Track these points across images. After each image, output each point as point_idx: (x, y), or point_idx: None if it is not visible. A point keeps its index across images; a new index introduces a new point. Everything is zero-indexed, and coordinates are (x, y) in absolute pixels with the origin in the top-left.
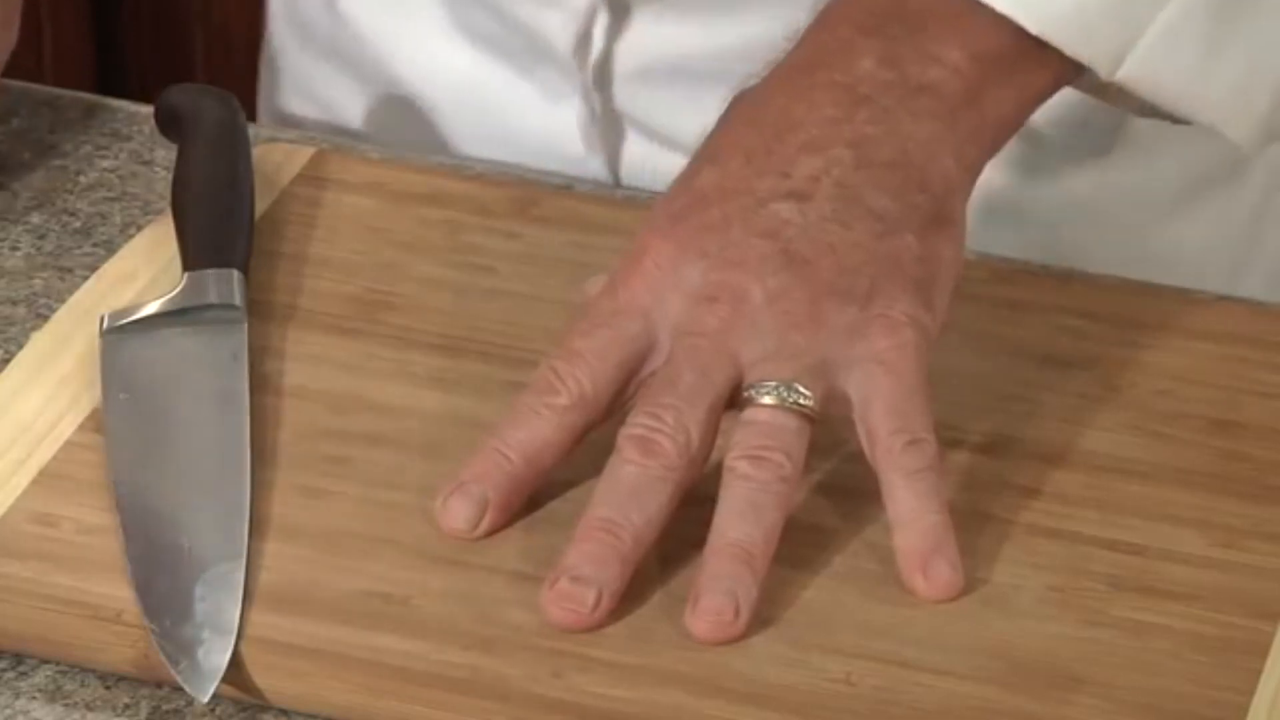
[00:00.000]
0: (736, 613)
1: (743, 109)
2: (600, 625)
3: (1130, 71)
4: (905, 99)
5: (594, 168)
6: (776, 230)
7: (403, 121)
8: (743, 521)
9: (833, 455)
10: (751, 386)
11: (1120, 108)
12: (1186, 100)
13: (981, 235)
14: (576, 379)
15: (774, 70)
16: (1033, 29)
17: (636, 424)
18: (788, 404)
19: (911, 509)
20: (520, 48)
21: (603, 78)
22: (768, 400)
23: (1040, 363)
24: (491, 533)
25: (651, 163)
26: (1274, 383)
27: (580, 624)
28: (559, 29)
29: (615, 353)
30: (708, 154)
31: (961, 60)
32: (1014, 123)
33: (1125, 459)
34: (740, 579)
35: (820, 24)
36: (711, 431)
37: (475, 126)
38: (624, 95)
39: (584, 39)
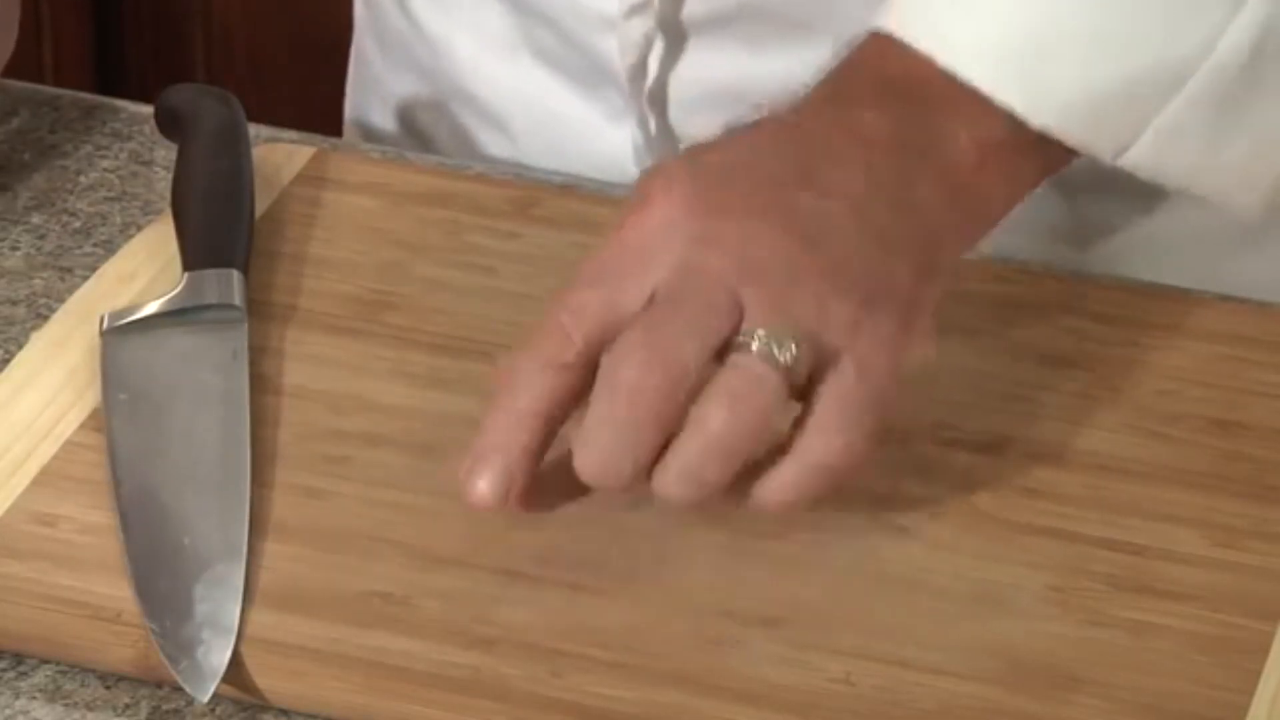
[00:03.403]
0: (702, 489)
1: (764, 122)
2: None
3: (1133, 159)
4: (914, 164)
5: None
6: (793, 209)
7: (474, 132)
8: (683, 486)
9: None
10: (747, 333)
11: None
12: (1190, 182)
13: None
14: (583, 333)
15: (792, 106)
16: (1034, 123)
17: (631, 350)
18: (777, 361)
19: (786, 479)
20: (583, 67)
21: (658, 102)
22: (759, 348)
23: (1040, 363)
24: (520, 503)
25: None
26: (1274, 383)
27: (616, 485)
28: (616, 54)
29: (617, 300)
30: (734, 135)
31: (967, 145)
32: (1009, 206)
33: (1125, 459)
34: (708, 470)
35: (833, 84)
36: (702, 366)
37: (541, 141)
38: (679, 119)
39: (639, 65)
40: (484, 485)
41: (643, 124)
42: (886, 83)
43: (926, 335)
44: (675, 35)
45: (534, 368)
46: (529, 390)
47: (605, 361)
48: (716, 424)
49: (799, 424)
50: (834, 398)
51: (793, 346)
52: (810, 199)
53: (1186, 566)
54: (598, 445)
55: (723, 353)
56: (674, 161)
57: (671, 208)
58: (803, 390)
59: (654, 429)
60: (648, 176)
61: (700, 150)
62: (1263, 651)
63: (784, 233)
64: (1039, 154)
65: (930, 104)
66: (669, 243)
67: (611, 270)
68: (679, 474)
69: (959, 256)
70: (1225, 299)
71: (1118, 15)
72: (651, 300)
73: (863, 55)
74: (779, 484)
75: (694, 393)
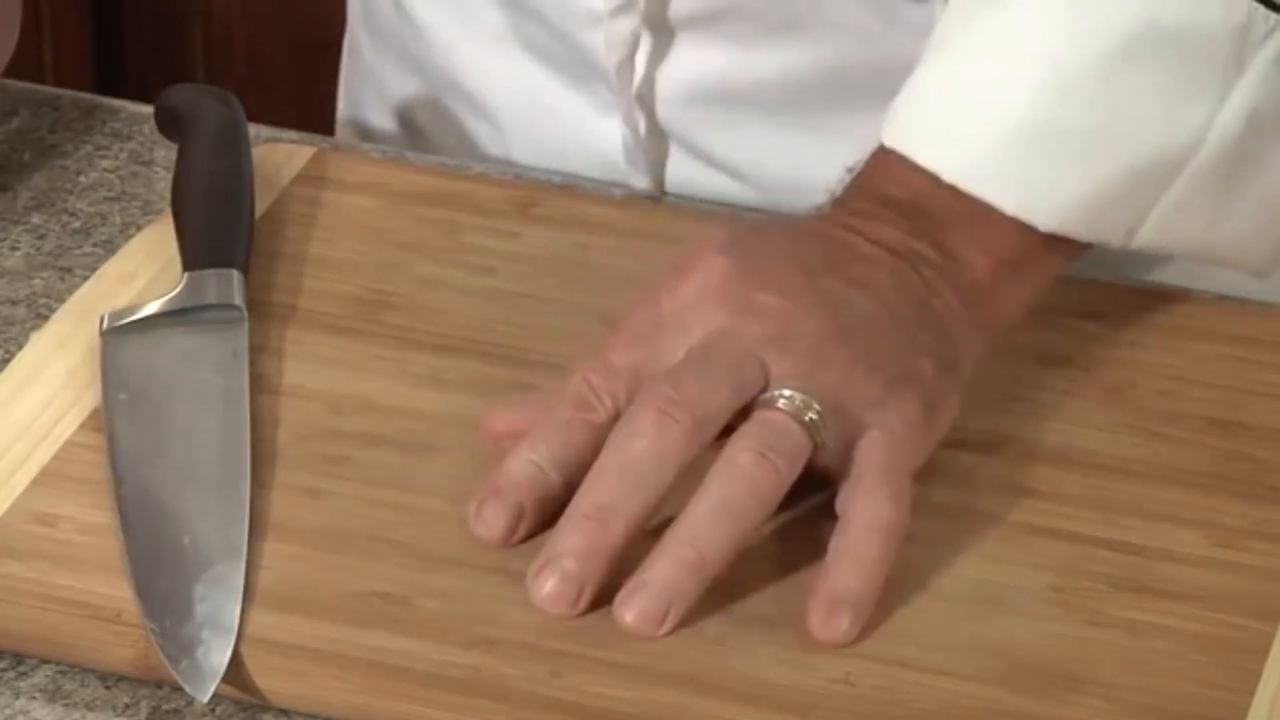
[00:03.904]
0: (663, 620)
1: (795, 227)
2: (583, 613)
3: (1141, 241)
4: (933, 275)
5: (640, 183)
6: (827, 294)
7: (465, 124)
8: (714, 522)
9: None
10: (773, 392)
11: None
12: (1199, 252)
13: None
14: (613, 394)
15: (812, 221)
16: (1043, 228)
17: (657, 391)
18: (804, 416)
19: (854, 554)
20: (572, 61)
21: (646, 98)
22: (784, 405)
23: (1040, 363)
24: (526, 540)
25: (695, 180)
26: (1274, 383)
27: (565, 614)
28: (604, 50)
29: (655, 369)
30: (761, 230)
31: (982, 262)
32: (1022, 310)
33: (1125, 459)
34: (683, 589)
35: (848, 212)
36: (724, 420)
37: (531, 134)
38: (667, 115)
39: (627, 62)
40: (491, 516)
41: (631, 119)
42: (895, 203)
43: (940, 432)
44: (662, 33)
45: (559, 422)
46: (552, 440)
47: (629, 408)
48: (746, 463)
49: (842, 497)
50: (870, 460)
51: (816, 406)
52: (841, 287)
53: (1186, 566)
54: (605, 482)
55: (747, 412)
56: (711, 239)
57: (709, 278)
58: (834, 474)
59: (669, 467)
60: (685, 252)
61: (736, 233)
62: (1263, 651)
63: (816, 311)
64: (1050, 253)
65: (940, 222)
66: (705, 311)
67: (646, 336)
68: (714, 509)
69: (976, 358)
70: (1225, 299)
71: (1110, 113)
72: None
73: (870, 173)
74: (843, 563)
75: (711, 444)
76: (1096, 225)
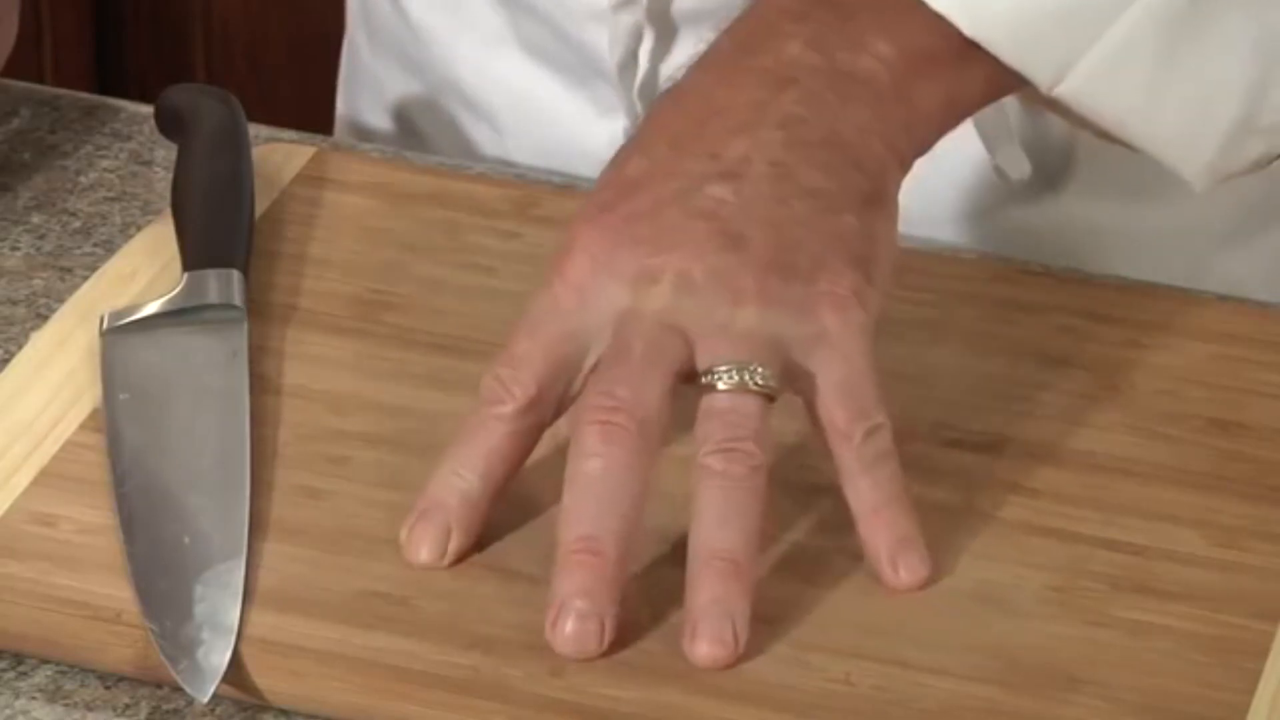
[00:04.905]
0: (735, 635)
1: (668, 97)
2: (612, 648)
3: (1071, 88)
4: (833, 83)
5: None
6: (712, 211)
7: (464, 126)
8: (724, 528)
9: (829, 453)
10: (708, 371)
11: (1076, 126)
12: (1131, 127)
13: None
14: (521, 384)
15: (700, 58)
16: (967, 32)
17: (592, 405)
18: (749, 387)
19: (874, 500)
20: (572, 61)
21: (648, 96)
22: (725, 385)
23: (1040, 363)
24: (461, 558)
25: None
26: (1274, 383)
27: (593, 656)
28: (607, 47)
29: (557, 350)
30: (634, 144)
31: (890, 52)
32: (945, 121)
33: (1125, 459)
34: (732, 597)
35: (749, 11)
36: (668, 402)
37: (531, 135)
38: None
39: (630, 58)
40: (418, 539)
41: (633, 118)
42: (807, 0)
43: (890, 264)
44: (665, 28)
45: (473, 423)
46: (469, 443)
47: (571, 447)
48: (719, 466)
49: (828, 431)
50: (830, 391)
51: (754, 367)
52: (724, 189)
53: (1186, 566)
54: (578, 513)
55: (689, 377)
56: (586, 200)
57: (595, 255)
58: (804, 378)
59: (634, 471)
60: (563, 232)
61: (608, 172)
62: (1263, 651)
63: (708, 238)
64: (968, 65)
65: (853, 13)
66: (602, 290)
67: (546, 319)
68: (717, 521)
69: (903, 175)
70: (1225, 299)
71: None
72: (596, 363)
73: None
74: (870, 521)
75: (666, 429)
76: (1024, 51)
